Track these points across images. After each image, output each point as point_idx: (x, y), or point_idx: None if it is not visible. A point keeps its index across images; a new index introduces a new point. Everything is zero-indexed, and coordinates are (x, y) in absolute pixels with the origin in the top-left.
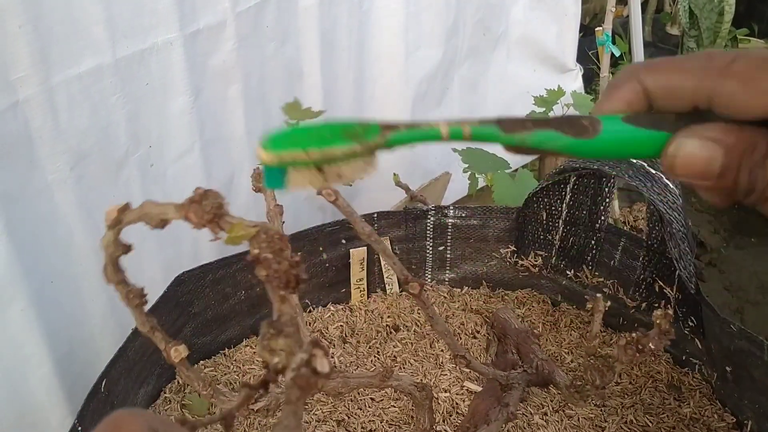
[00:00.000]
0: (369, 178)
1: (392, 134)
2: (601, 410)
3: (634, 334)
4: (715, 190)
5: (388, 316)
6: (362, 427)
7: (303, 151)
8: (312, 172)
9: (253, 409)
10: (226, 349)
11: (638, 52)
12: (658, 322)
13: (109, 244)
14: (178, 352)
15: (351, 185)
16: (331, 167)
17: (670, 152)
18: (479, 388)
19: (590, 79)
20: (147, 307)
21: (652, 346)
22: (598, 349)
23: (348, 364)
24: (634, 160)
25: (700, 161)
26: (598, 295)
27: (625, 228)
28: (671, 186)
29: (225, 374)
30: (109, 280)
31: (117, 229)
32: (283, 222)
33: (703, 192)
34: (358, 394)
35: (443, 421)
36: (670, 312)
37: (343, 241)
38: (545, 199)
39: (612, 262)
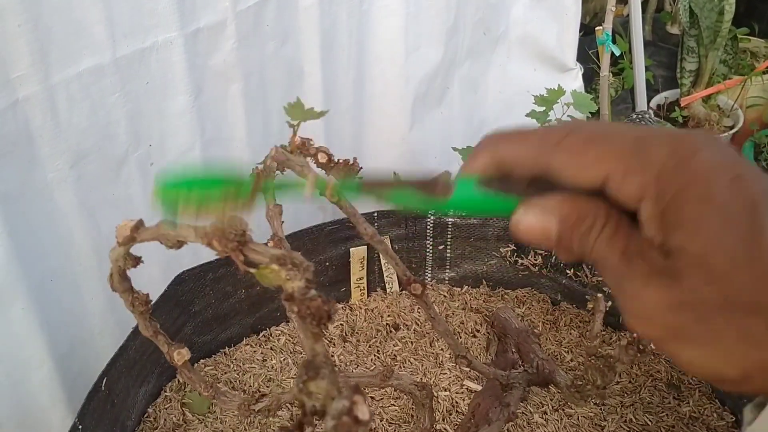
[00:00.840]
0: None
1: (265, 185)
2: (601, 409)
3: (635, 334)
4: (558, 251)
5: (388, 315)
6: None
7: (185, 205)
8: (196, 210)
9: (254, 410)
10: (227, 348)
11: (638, 52)
12: None
13: (119, 258)
14: (180, 355)
15: None
16: (212, 206)
17: (514, 220)
18: (479, 387)
19: (590, 79)
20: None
21: (653, 347)
22: (599, 349)
23: (348, 363)
24: None
25: (538, 230)
26: (599, 294)
27: None
28: None
29: (225, 373)
30: (114, 289)
31: (128, 246)
32: (283, 222)
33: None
34: None
35: (443, 420)
36: None
37: (343, 240)
38: None
39: None
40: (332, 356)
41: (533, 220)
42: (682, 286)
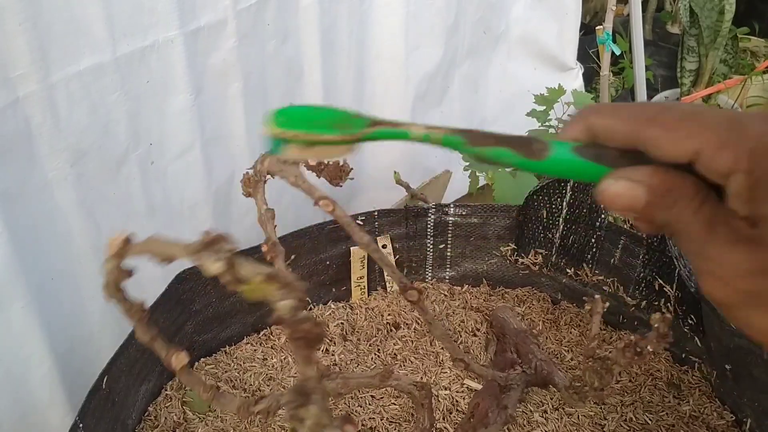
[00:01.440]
0: (351, 158)
1: (375, 129)
2: (601, 408)
3: (632, 337)
4: (639, 221)
5: (389, 314)
6: (362, 425)
7: (303, 132)
8: (303, 147)
9: (253, 411)
10: (227, 347)
11: (638, 51)
12: (656, 325)
13: (111, 271)
14: (179, 360)
15: (340, 185)
16: (318, 147)
17: (602, 187)
18: (479, 386)
19: (591, 78)
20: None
21: (650, 349)
22: (597, 350)
23: (348, 362)
24: None
25: (625, 199)
26: (597, 296)
27: (624, 226)
28: None
29: (226, 372)
30: (109, 298)
31: (118, 260)
32: (276, 225)
33: (630, 219)
34: (359, 391)
35: (443, 419)
36: (669, 315)
37: (344, 239)
38: (546, 198)
39: (612, 261)
40: (332, 355)
41: (621, 189)
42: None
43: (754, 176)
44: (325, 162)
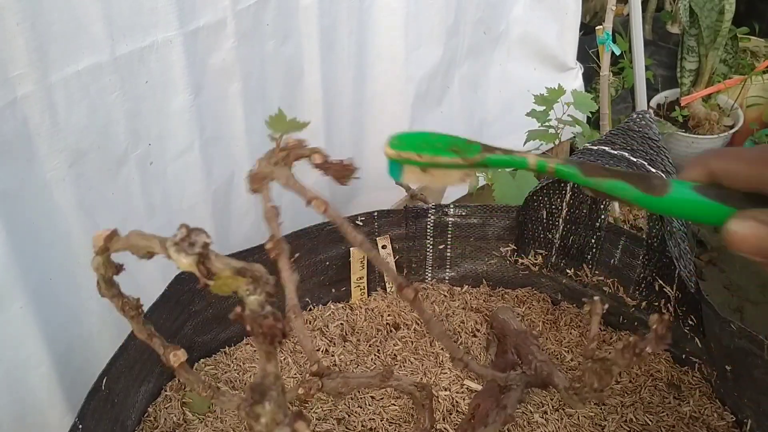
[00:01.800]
0: (461, 185)
1: (489, 156)
2: (601, 409)
3: (631, 338)
4: None
5: (389, 315)
6: (362, 426)
7: (417, 154)
8: (421, 171)
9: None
10: (227, 348)
11: (638, 51)
12: (654, 326)
13: (99, 267)
14: (177, 357)
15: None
16: (436, 171)
17: (727, 228)
18: (480, 387)
19: (591, 78)
20: (147, 306)
21: (650, 350)
22: (597, 351)
23: (348, 363)
24: (634, 158)
25: (753, 242)
26: (596, 297)
27: (624, 227)
28: None
29: (225, 372)
30: (103, 295)
31: (105, 255)
32: (281, 223)
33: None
34: (359, 392)
35: (443, 420)
36: (666, 316)
37: (344, 240)
38: (546, 198)
39: (612, 261)
40: (332, 356)
41: (749, 231)
42: None
43: None
44: (330, 160)
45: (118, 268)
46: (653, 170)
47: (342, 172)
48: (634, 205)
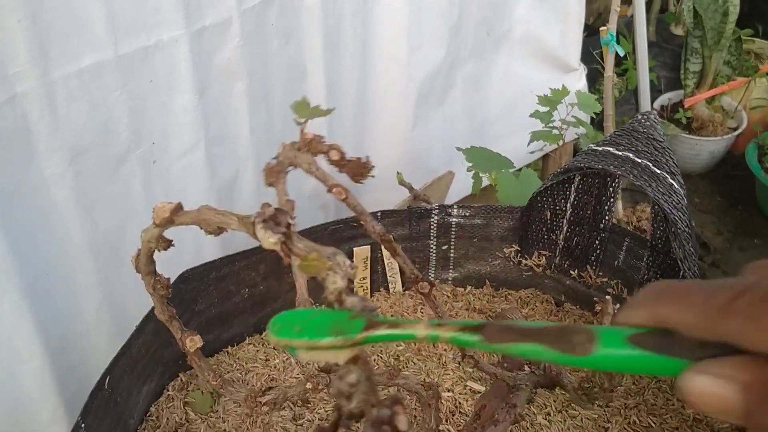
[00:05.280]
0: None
1: (373, 334)
2: (605, 411)
3: None
4: (748, 426)
5: (391, 315)
6: None
7: (296, 341)
8: (307, 351)
9: (260, 402)
10: (230, 347)
11: (642, 52)
12: None
13: (152, 239)
14: (193, 342)
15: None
16: (321, 351)
17: (683, 387)
18: (482, 388)
19: (594, 79)
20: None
21: None
22: None
23: None
24: (638, 159)
25: (715, 400)
26: (608, 297)
27: (628, 228)
28: (676, 186)
29: (228, 372)
30: (139, 270)
31: (162, 228)
32: (294, 217)
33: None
34: None
35: (446, 421)
36: None
37: (347, 240)
38: (549, 199)
39: (616, 263)
40: None
41: (708, 388)
42: None
43: None
44: (347, 158)
45: (169, 243)
46: (658, 171)
47: (359, 169)
48: (560, 364)
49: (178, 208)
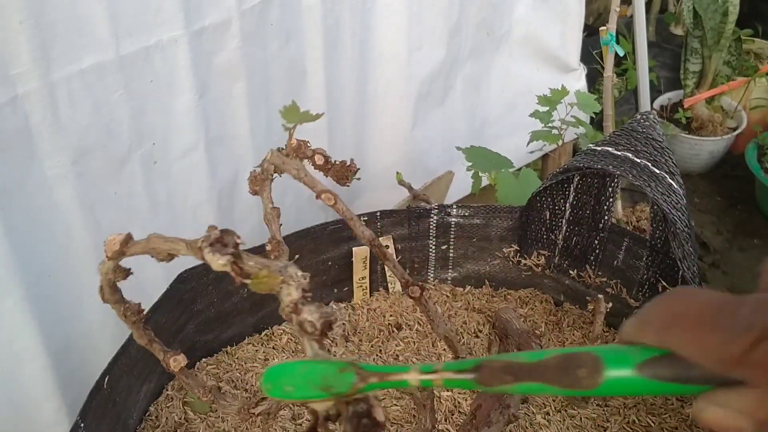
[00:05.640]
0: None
1: (364, 386)
2: (604, 410)
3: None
4: None
5: (391, 315)
6: None
7: (288, 398)
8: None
9: (254, 413)
10: (229, 347)
11: (642, 53)
12: None
13: (108, 272)
14: (177, 362)
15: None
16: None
17: (697, 413)
18: None
19: (594, 79)
20: (149, 305)
21: None
22: None
23: None
24: (638, 159)
25: (730, 430)
26: (600, 296)
27: (627, 228)
28: (675, 186)
29: (227, 372)
30: (105, 301)
31: (117, 260)
32: (281, 224)
33: None
34: None
35: (445, 420)
36: None
37: (346, 240)
38: (549, 199)
39: (615, 262)
40: (334, 356)
41: (722, 420)
42: None
43: None
44: (332, 161)
45: (126, 273)
46: (657, 171)
47: (343, 172)
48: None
49: (128, 239)
